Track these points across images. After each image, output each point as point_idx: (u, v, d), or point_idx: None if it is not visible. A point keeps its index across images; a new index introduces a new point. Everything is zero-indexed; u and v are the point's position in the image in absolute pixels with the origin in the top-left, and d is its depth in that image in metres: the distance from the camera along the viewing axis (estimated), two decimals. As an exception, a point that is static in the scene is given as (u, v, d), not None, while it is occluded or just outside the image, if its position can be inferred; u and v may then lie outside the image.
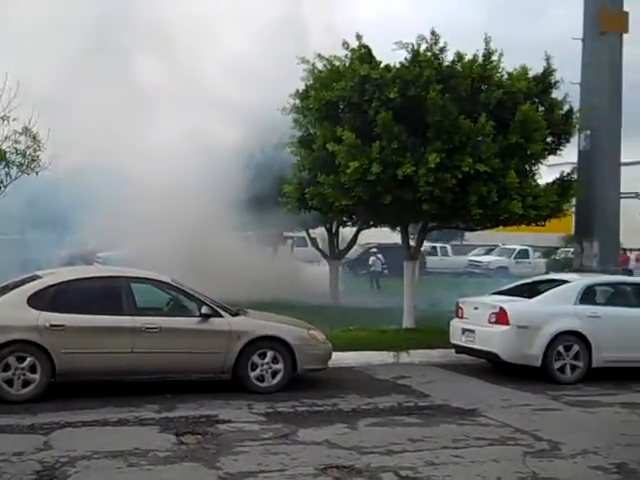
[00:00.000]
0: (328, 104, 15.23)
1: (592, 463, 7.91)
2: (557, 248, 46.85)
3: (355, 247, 28.71)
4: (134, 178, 22.96)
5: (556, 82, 15.68)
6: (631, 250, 40.56)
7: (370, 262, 32.95)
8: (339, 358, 12.87)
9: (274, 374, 11.04)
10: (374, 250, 33.84)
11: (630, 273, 35.19)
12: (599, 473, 7.58)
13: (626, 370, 12.99)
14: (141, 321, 10.46)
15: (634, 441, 8.82)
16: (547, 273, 26.27)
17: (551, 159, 16.81)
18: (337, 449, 8.17)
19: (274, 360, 11.04)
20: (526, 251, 44.97)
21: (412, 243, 17.54)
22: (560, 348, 12.45)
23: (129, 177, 23.02)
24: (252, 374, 10.92)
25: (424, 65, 14.44)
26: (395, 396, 10.96)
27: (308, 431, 8.86)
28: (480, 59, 15.05)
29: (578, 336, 12.56)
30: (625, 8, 17.58)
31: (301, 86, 16.15)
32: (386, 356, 14.06)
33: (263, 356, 10.99)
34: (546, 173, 17.32)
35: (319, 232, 27.56)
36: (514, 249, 44.90)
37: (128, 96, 24.49)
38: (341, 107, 15.38)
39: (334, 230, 25.42)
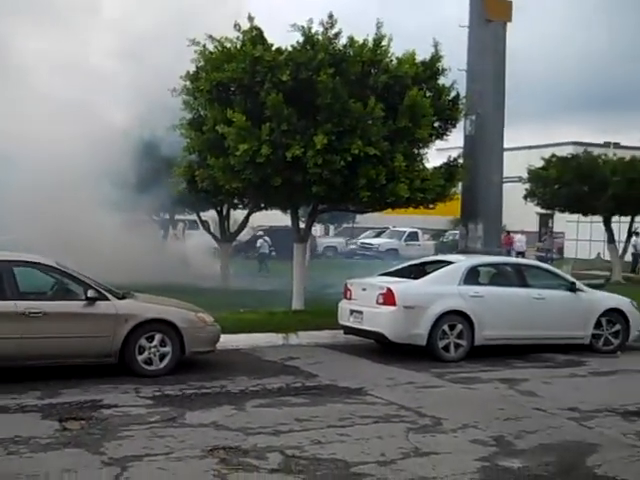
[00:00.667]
0: (219, 86, 15.09)
1: (472, 437, 8.17)
2: (445, 230, 47.94)
3: (247, 230, 28.61)
4: (13, 160, 22.08)
5: (443, 69, 15.93)
6: (523, 232, 41.89)
7: (258, 244, 32.99)
8: (228, 340, 12.85)
9: (162, 357, 10.94)
10: (261, 233, 33.87)
11: (522, 255, 36.38)
12: (478, 446, 7.83)
13: (507, 347, 13.45)
14: (24, 306, 10.18)
15: (511, 415, 9.16)
16: (436, 255, 26.79)
17: (441, 143, 17.19)
18: (224, 431, 8.18)
19: (162, 343, 10.94)
20: (416, 233, 45.78)
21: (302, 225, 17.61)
22: (445, 327, 12.79)
23: (5, 159, 22.10)
24: (139, 357, 10.80)
25: (318, 48, 14.48)
26: (283, 377, 11.04)
27: (195, 414, 8.84)
28: (370, 44, 15.16)
29: (462, 315, 12.93)
30: (509, -2, 18.05)
31: (192, 68, 15.92)
32: (275, 338, 14.11)
33: (151, 339, 10.88)
34: (436, 157, 17.68)
35: (210, 215, 27.37)
36: (404, 232, 45.60)
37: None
38: (232, 89, 15.26)
39: (225, 213, 25.30)
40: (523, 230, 43.09)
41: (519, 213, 42.40)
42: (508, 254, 34.96)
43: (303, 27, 14.70)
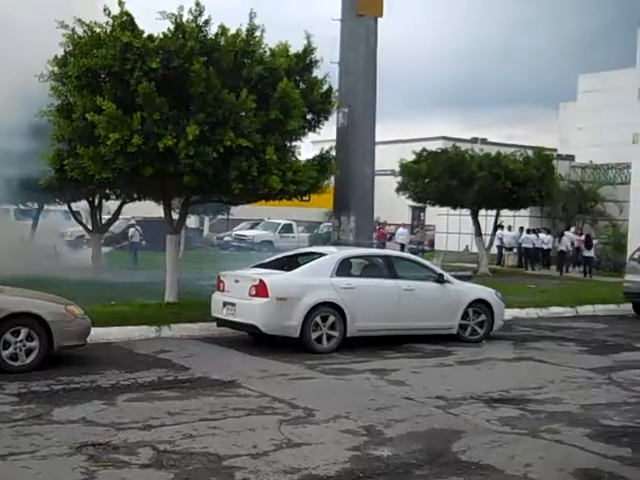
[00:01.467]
0: (88, 72, 14.68)
1: (343, 427, 8.29)
2: (320, 223, 48.34)
3: (120, 221, 28.02)
4: None
5: (316, 61, 16.04)
6: (405, 225, 42.54)
7: (130, 233, 32.42)
8: (99, 334, 12.60)
9: (28, 352, 10.60)
10: (133, 222, 33.29)
11: (403, 247, 36.98)
12: (349, 436, 7.96)
13: (379, 338, 13.70)
14: None
15: (382, 405, 9.34)
16: (310, 247, 26.99)
17: (317, 136, 17.29)
18: (94, 426, 8.00)
19: (28, 338, 10.59)
20: (290, 225, 45.95)
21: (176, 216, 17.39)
22: (317, 319, 12.91)
23: None
24: (4, 353, 10.43)
25: (188, 36, 14.31)
26: (155, 370, 10.89)
27: (64, 410, 8.61)
28: (244, 34, 15.10)
29: (334, 307, 13.09)
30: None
31: (60, 52, 15.43)
32: (147, 331, 13.90)
33: (17, 334, 10.52)
34: (312, 149, 17.77)
35: (82, 205, 26.66)
36: (279, 223, 45.70)
37: None
38: (102, 76, 14.90)
39: (97, 203, 24.70)
40: (404, 223, 43.81)
41: (392, 206, 43.26)
42: (382, 246, 35.57)
43: (174, 14, 14.49)
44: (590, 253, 32.44)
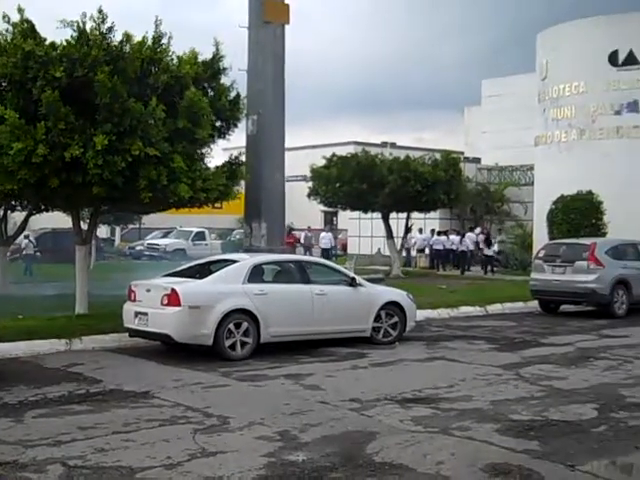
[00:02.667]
0: (-12, 81, 14.33)
1: (258, 434, 8.24)
2: (233, 229, 48.16)
3: (27, 232, 27.27)
4: None
5: (224, 68, 16.00)
6: (330, 230, 42.34)
7: (23, 245, 31.49)
8: (6, 349, 12.30)
9: None
10: (27, 233, 32.50)
11: (327, 253, 36.88)
12: (264, 442, 7.92)
13: (293, 343, 13.71)
14: None
15: (296, 409, 9.33)
16: (223, 254, 26.82)
17: (227, 143, 17.25)
18: (0, 445, 7.76)
19: None
20: (203, 233, 45.63)
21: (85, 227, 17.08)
22: (230, 326, 12.83)
23: None
24: None
25: (91, 44, 14.07)
26: (66, 385, 10.64)
27: (-32, 429, 8.33)
28: (150, 42, 14.93)
29: (247, 313, 13.03)
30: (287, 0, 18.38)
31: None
32: (57, 344, 13.58)
33: None
34: (223, 156, 17.67)
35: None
36: (191, 231, 45.36)
37: None
38: (3, 84, 14.53)
39: (2, 214, 23.99)
40: (332, 227, 43.58)
41: (304, 211, 43.42)
42: (293, 252, 35.50)
43: (77, 22, 14.23)
44: (490, 252, 33.40)
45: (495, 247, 34.37)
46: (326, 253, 36.82)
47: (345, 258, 34.97)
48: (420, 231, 37.83)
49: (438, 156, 31.87)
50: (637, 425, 8.72)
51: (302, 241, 40.29)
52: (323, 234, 39.57)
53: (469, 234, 35.87)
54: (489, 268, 33.00)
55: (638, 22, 31.28)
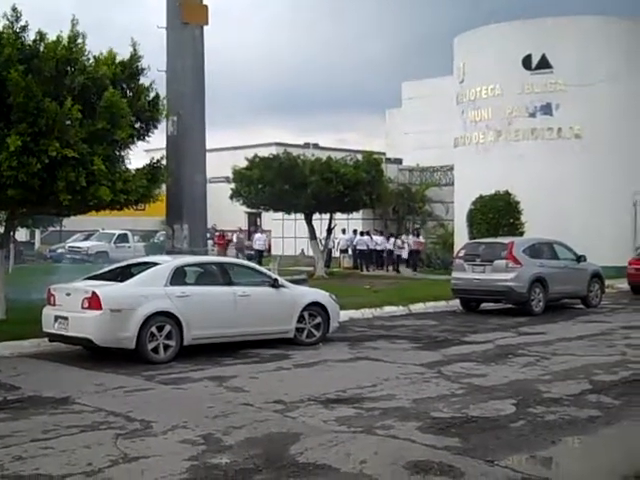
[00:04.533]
0: None
1: (181, 437, 8.15)
2: (156, 231, 47.62)
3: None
4: None
5: (143, 69, 15.81)
6: (263, 231, 42.11)
7: None
8: None
9: None
10: None
11: (261, 254, 36.68)
12: (187, 446, 7.83)
13: (217, 345, 13.62)
14: None
15: (220, 412, 9.27)
16: (146, 256, 26.47)
17: (148, 145, 16.99)
18: None
19: None
20: (125, 235, 44.99)
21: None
22: (153, 329, 12.68)
23: None
24: None
25: (5, 43, 13.73)
26: (-19, 392, 10.36)
27: None
28: (65, 41, 14.64)
29: (170, 316, 12.89)
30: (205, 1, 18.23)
31: None
32: (-27, 351, 13.22)
33: None
34: (145, 158, 17.43)
35: None
36: (114, 234, 44.69)
37: None
38: None
39: None
40: (262, 229, 43.01)
41: (229, 212, 43.22)
42: (225, 254, 35.31)
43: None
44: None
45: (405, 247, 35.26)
46: (260, 255, 36.64)
47: (270, 259, 34.98)
48: (343, 231, 38.07)
49: (360, 157, 32.12)
50: (553, 420, 8.92)
51: (234, 242, 40.00)
52: (258, 235, 39.21)
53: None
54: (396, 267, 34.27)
55: (551, 27, 32.17)
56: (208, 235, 33.31)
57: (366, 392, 10.44)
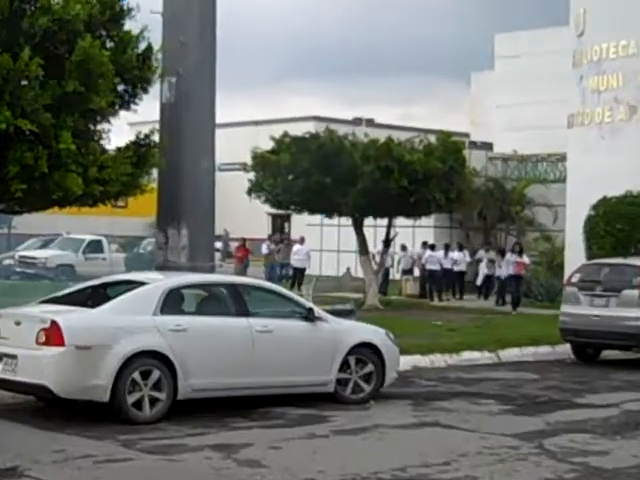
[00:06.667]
0: None
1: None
2: (142, 238, 47.99)
3: None
4: None
5: (130, 9, 15.93)
6: (302, 241, 42.19)
7: None
8: None
9: None
10: None
11: (302, 273, 36.80)
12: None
13: (224, 401, 13.67)
14: None
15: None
16: (127, 272, 26.66)
17: (131, 116, 17.10)
18: None
19: None
20: (99, 243, 45.39)
21: None
22: (135, 375, 12.74)
23: None
24: None
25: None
26: None
27: None
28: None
29: (159, 358, 12.96)
30: None
31: None
32: None
33: None
34: (127, 135, 17.55)
35: None
36: (83, 240, 45.13)
37: None
38: None
39: None
40: (302, 238, 42.41)
41: (244, 213, 43.31)
42: (245, 272, 35.21)
43: None
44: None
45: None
46: (300, 274, 36.82)
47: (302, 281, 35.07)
48: (403, 248, 37.79)
49: (433, 139, 32.05)
50: None
51: (265, 253, 40.19)
52: (298, 247, 39.37)
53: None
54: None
55: None
56: (218, 245, 33.57)
57: (435, 472, 10.42)
